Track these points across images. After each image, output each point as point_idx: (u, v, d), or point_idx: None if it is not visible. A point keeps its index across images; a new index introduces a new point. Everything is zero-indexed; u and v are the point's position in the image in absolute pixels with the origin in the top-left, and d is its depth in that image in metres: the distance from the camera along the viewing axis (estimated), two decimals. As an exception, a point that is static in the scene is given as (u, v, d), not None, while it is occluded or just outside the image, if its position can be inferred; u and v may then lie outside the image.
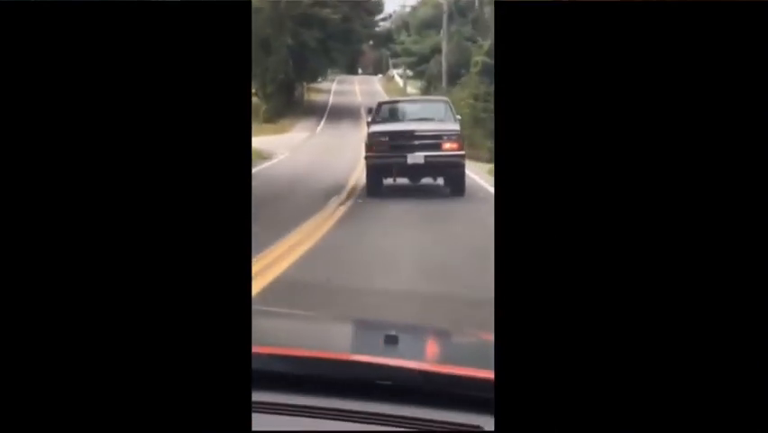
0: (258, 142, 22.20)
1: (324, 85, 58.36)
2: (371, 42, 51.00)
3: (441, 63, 38.13)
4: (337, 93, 53.41)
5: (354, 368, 1.45)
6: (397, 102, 16.33)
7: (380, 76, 65.11)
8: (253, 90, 37.19)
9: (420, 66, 46.09)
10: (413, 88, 49.27)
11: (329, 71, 61.00)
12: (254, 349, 1.23)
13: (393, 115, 13.90)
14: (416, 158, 12.53)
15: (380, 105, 14.47)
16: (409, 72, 53.24)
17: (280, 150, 24.78)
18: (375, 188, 12.95)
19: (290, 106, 43.42)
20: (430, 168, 12.83)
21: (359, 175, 15.91)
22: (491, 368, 1.20)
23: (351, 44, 45.92)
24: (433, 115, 13.67)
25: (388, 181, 13.09)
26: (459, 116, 14.05)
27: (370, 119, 13.77)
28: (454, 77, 35.40)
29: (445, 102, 14.91)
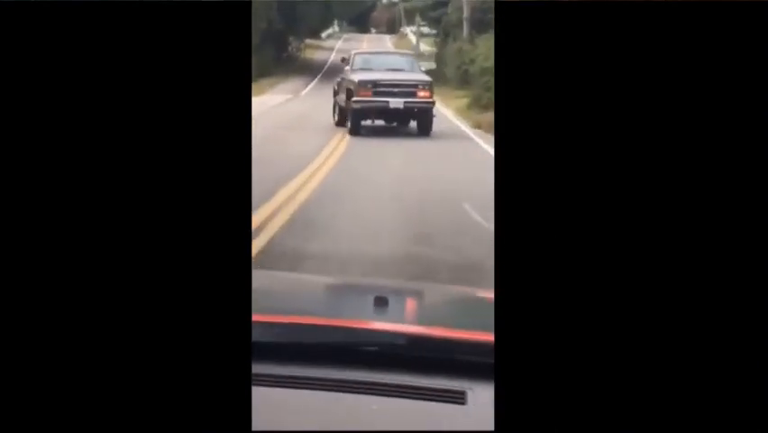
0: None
1: (328, 42, 52.55)
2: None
3: (461, 8, 30.55)
4: (341, 51, 46.67)
5: (338, 333, 1.43)
6: (369, 53, 19.46)
7: (393, 35, 58.12)
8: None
9: (436, 11, 38.27)
10: (426, 45, 42.60)
11: (336, 27, 54.58)
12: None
13: (366, 65, 16.36)
14: (397, 103, 15.13)
15: (355, 55, 17.12)
16: (423, 30, 46.16)
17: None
18: (357, 128, 15.23)
19: (280, 64, 36.56)
20: (407, 112, 15.44)
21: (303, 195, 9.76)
22: (487, 329, 1.22)
23: (348, -14, 38.61)
24: (401, 66, 16.34)
25: (366, 123, 15.50)
26: (423, 67, 17.75)
27: (348, 67, 16.29)
28: (479, 23, 27.75)
29: (411, 55, 19.16)
